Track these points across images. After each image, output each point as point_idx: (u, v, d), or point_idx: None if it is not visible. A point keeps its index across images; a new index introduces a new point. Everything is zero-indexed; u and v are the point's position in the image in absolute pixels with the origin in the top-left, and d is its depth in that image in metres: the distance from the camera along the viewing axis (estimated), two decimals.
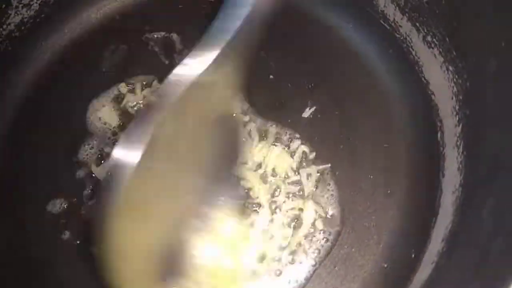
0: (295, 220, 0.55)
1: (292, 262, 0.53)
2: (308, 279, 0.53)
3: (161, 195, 0.46)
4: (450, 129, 0.51)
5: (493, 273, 0.29)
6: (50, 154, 0.59)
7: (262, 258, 0.53)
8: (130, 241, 0.44)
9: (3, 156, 0.59)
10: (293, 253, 0.54)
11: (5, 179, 0.58)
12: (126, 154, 0.41)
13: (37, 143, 0.60)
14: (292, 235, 0.54)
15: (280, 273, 0.53)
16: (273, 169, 0.57)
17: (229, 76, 0.47)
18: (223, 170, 0.52)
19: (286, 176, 0.57)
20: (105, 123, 0.60)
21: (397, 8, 0.57)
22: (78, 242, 0.55)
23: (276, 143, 0.58)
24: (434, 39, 0.53)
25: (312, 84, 0.61)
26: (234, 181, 0.55)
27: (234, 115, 0.54)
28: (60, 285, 0.54)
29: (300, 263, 0.53)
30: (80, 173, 0.58)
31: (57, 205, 0.57)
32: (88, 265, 0.54)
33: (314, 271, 0.53)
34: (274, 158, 0.57)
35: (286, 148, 0.58)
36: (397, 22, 0.59)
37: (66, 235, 0.56)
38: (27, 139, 0.60)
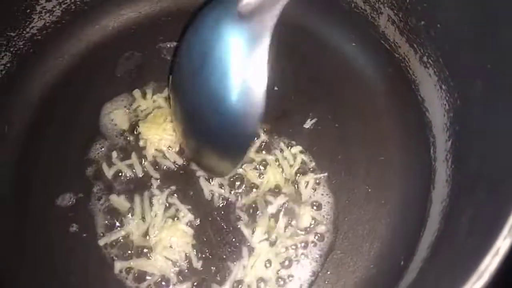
0: (291, 225, 0.57)
1: (288, 265, 0.56)
2: (302, 283, 0.55)
3: None
4: (441, 144, 0.54)
5: (463, 273, 0.31)
6: (63, 151, 0.62)
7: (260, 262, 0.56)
8: None
9: (20, 151, 0.63)
10: (288, 257, 0.56)
11: (21, 172, 0.61)
12: None
13: (52, 141, 0.63)
14: (288, 240, 0.57)
15: (276, 277, 0.55)
16: (273, 176, 0.60)
17: None
18: None
19: (284, 183, 0.59)
20: (115, 125, 0.63)
21: (396, 29, 0.61)
22: (85, 235, 0.58)
23: (277, 151, 0.61)
24: (429, 60, 0.56)
25: (315, 98, 0.65)
26: None
27: None
28: (67, 274, 0.56)
29: (295, 267, 0.56)
30: (90, 171, 0.61)
31: (66, 199, 0.60)
32: (93, 256, 0.57)
33: (308, 276, 0.55)
34: (274, 166, 0.60)
35: (286, 157, 0.61)
36: (396, 42, 0.62)
37: (74, 227, 0.58)
38: (43, 136, 0.63)
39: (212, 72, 0.49)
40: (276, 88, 0.65)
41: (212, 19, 0.50)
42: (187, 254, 0.56)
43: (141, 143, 0.62)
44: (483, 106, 0.44)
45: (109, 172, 0.60)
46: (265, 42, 0.47)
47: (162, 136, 0.61)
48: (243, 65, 0.48)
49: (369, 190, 0.59)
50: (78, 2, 0.68)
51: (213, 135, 0.53)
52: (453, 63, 0.51)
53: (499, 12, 0.41)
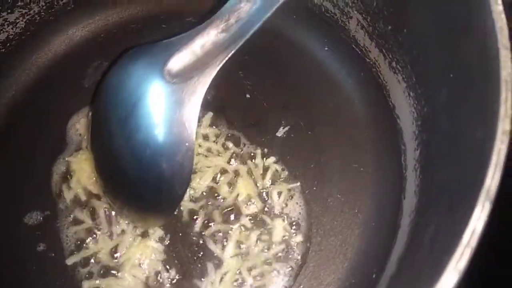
0: (263, 238, 0.56)
1: (260, 280, 0.55)
2: None
3: None
4: (411, 152, 0.53)
5: None
6: (30, 166, 0.61)
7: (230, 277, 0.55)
8: None
9: None
10: (260, 272, 0.55)
11: None
12: None
13: (18, 155, 0.61)
14: (260, 253, 0.55)
15: None
16: (244, 187, 0.58)
17: None
18: None
19: (256, 194, 0.58)
20: (80, 135, 0.62)
21: (366, 34, 0.59)
22: (52, 254, 0.57)
23: (249, 161, 0.60)
24: (398, 65, 0.54)
25: (287, 105, 0.63)
26: None
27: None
28: None
29: (268, 283, 0.54)
30: (56, 187, 0.60)
31: (34, 218, 0.58)
32: (61, 276, 0.56)
33: None
34: (246, 176, 0.59)
35: (258, 166, 0.59)
36: (366, 47, 0.60)
37: (41, 246, 0.57)
38: (8, 151, 0.62)
39: (138, 127, 0.48)
40: (248, 96, 0.64)
41: (140, 73, 0.48)
42: (157, 271, 0.55)
43: None
44: (447, 116, 0.43)
45: (75, 188, 0.59)
46: (196, 102, 0.46)
47: (82, 168, 0.59)
48: (171, 125, 0.47)
49: (342, 199, 0.58)
50: (43, 13, 0.66)
51: (135, 191, 0.51)
52: (420, 70, 0.50)
53: (459, 21, 0.40)
